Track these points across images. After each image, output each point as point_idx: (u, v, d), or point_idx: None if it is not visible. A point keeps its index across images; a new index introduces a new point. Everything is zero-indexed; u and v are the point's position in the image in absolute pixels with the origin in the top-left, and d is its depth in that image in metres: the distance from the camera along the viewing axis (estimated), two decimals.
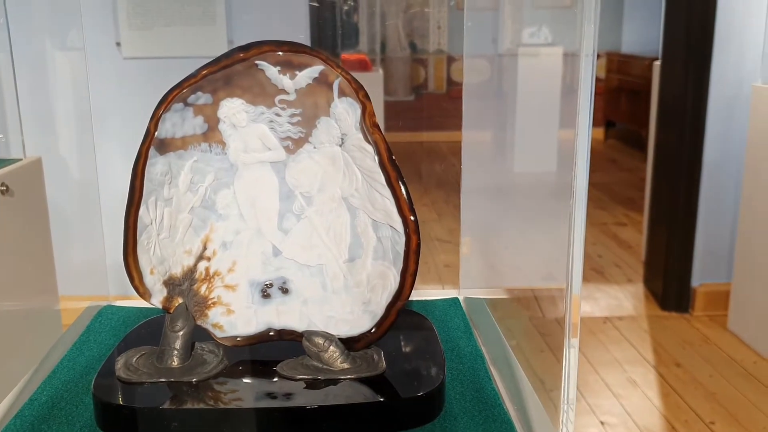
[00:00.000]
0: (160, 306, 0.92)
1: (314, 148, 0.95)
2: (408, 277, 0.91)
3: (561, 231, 0.83)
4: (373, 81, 4.97)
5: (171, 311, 0.92)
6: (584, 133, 0.73)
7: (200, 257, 0.95)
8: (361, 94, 0.91)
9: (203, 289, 0.94)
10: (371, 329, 0.93)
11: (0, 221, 1.78)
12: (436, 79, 6.24)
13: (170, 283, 0.93)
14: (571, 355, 0.80)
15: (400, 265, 0.92)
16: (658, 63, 3.60)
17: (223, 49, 2.89)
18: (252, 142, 0.95)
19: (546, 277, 1.02)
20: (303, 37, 2.59)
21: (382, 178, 0.91)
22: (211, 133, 0.94)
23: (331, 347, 0.91)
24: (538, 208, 1.17)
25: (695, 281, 3.37)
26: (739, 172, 3.15)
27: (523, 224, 1.21)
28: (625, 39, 7.12)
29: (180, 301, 0.93)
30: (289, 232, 0.96)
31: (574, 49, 0.71)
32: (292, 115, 0.94)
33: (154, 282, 0.92)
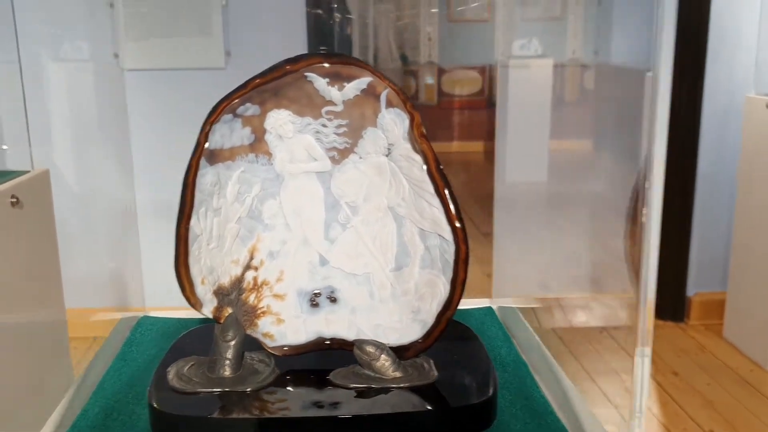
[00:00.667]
0: (210, 316, 0.92)
1: (360, 158, 0.96)
2: (458, 285, 0.92)
3: (585, 240, 0.84)
4: None
5: (221, 321, 0.92)
6: (661, 145, 0.75)
7: (247, 267, 0.95)
8: (409, 105, 0.92)
9: (252, 298, 0.95)
10: (420, 338, 0.94)
11: (9, 233, 1.77)
12: (427, 91, 6.24)
13: (220, 293, 0.93)
14: (643, 364, 0.81)
15: (450, 274, 0.92)
16: (650, 74, 3.63)
17: (220, 60, 2.86)
18: (298, 153, 0.95)
19: (586, 285, 1.03)
20: (300, 48, 2.59)
21: (430, 188, 0.92)
22: (257, 144, 0.94)
23: (382, 356, 0.91)
24: (568, 218, 1.19)
25: (690, 290, 3.39)
26: (733, 181, 3.17)
27: (553, 234, 1.22)
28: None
29: (230, 310, 0.93)
30: (335, 242, 0.97)
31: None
32: (339, 126, 0.94)
33: (205, 292, 0.92)
